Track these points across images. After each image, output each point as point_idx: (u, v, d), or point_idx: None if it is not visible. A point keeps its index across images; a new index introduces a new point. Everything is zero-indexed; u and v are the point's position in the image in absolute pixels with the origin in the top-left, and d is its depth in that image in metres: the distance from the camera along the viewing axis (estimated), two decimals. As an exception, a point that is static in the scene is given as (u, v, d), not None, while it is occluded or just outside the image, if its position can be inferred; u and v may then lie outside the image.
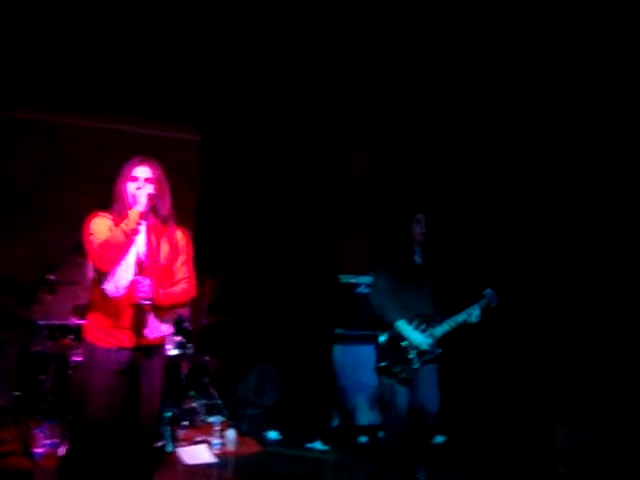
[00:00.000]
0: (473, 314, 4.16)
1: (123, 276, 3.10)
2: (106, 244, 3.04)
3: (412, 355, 4.17)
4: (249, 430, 5.64)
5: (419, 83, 5.95)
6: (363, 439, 5.69)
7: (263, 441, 5.49)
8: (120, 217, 3.13)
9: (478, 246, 5.86)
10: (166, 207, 3.27)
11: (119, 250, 3.05)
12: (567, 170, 5.31)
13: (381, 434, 5.65)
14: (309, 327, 6.60)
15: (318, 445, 5.45)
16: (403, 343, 4.19)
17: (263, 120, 6.79)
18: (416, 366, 4.17)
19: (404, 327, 4.18)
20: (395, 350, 4.20)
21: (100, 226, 3.15)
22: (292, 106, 6.54)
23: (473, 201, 6.08)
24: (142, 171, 3.21)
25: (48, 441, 4.71)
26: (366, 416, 5.82)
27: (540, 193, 5.51)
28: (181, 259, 3.34)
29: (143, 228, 3.12)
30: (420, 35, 5.23)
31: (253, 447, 5.30)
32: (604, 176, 5.02)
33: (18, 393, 5.34)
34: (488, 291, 4.25)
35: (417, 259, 4.43)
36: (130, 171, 3.22)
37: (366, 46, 5.45)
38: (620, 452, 4.52)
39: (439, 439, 5.62)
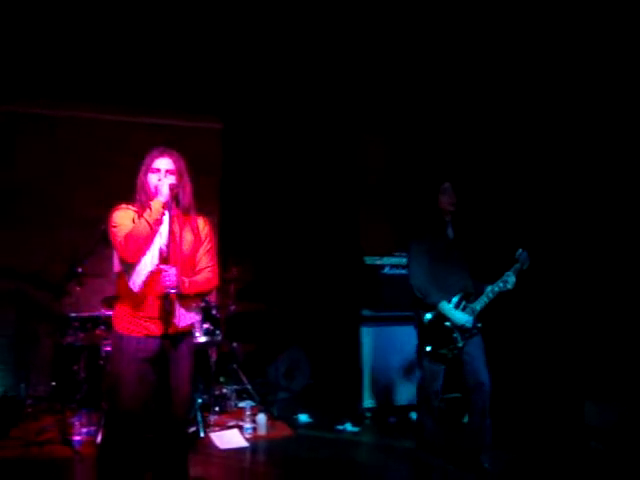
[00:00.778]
0: (509, 281, 4.07)
1: (148, 266, 3.14)
2: (130, 235, 3.08)
3: (456, 334, 4.14)
4: (280, 414, 5.69)
5: (431, 66, 5.97)
6: (392, 419, 5.72)
7: (294, 424, 5.54)
8: (143, 208, 3.16)
9: (505, 213, 5.86)
10: (188, 197, 3.28)
11: (144, 241, 3.09)
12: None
13: (411, 414, 5.71)
14: (336, 310, 6.63)
15: (348, 427, 5.49)
16: (446, 324, 4.14)
17: (282, 107, 6.80)
18: (460, 344, 4.14)
19: (446, 308, 4.12)
20: (439, 332, 4.16)
21: (123, 218, 3.18)
22: (310, 92, 6.53)
23: (494, 171, 6.09)
24: (163, 162, 3.23)
25: (85, 429, 4.84)
26: (395, 396, 5.86)
27: (563, 158, 5.53)
28: (204, 247, 3.37)
29: (166, 218, 3.14)
30: (437, 21, 5.23)
31: (284, 431, 5.36)
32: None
33: (54, 383, 5.49)
34: (520, 252, 4.14)
35: (449, 232, 4.35)
36: (151, 162, 3.23)
37: (381, 32, 5.45)
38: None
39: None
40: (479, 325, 4.18)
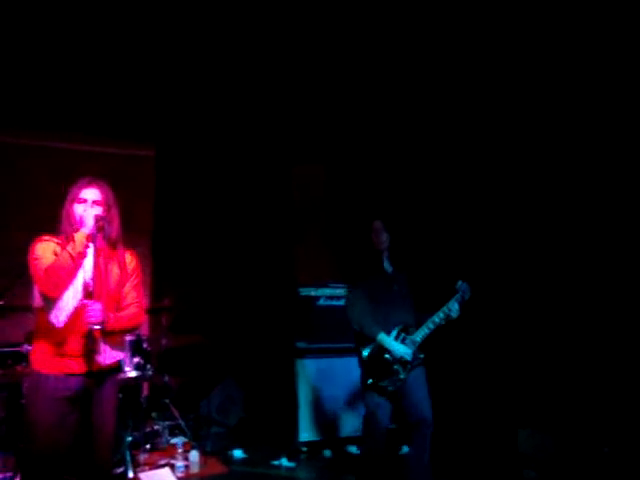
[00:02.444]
0: (452, 309, 4.06)
1: (71, 301, 2.98)
2: (52, 268, 2.92)
3: (397, 366, 4.08)
4: (213, 449, 5.54)
5: (367, 94, 5.99)
6: (328, 453, 5.63)
7: (228, 460, 5.39)
8: (67, 240, 3.02)
9: (444, 245, 5.90)
10: (115, 230, 3.15)
11: (66, 274, 2.94)
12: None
13: (348, 447, 5.64)
14: (270, 342, 6.54)
15: (284, 462, 5.37)
16: (386, 356, 4.10)
17: (216, 135, 6.77)
18: (402, 376, 4.08)
19: (385, 340, 4.08)
20: (379, 364, 4.11)
21: (45, 250, 3.02)
22: (244, 121, 6.52)
23: (432, 202, 6.15)
24: (90, 193, 3.11)
25: (2, 475, 4.55)
26: (332, 429, 5.77)
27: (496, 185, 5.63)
28: (131, 282, 3.25)
29: (91, 251, 2.99)
30: (369, 45, 5.25)
31: (218, 467, 5.19)
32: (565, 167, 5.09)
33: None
34: (460, 284, 4.15)
35: (387, 267, 4.35)
36: (78, 192, 3.11)
37: (313, 59, 5.47)
38: (582, 457, 4.55)
39: (406, 449, 5.60)
40: (421, 356, 4.15)
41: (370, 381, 4.12)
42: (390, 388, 4.08)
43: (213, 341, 6.22)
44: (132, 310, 3.22)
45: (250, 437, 6.00)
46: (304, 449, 5.67)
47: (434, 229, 6.11)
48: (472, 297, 4.18)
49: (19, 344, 5.07)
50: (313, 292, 5.98)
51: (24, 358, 4.93)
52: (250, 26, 5.00)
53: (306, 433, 5.72)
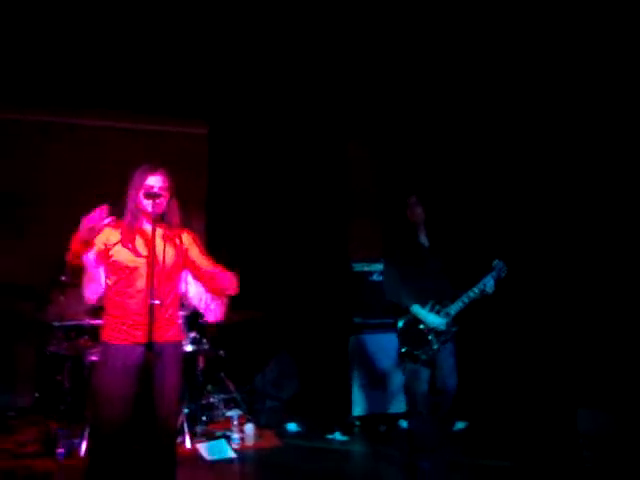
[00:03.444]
0: (487, 285, 4.15)
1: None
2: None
3: (430, 337, 4.19)
4: (268, 423, 5.63)
5: (417, 74, 5.97)
6: (382, 428, 5.67)
7: (282, 434, 5.48)
8: (133, 223, 3.26)
9: (484, 221, 5.89)
10: (175, 214, 3.34)
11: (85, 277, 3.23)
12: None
13: (401, 422, 5.66)
14: (325, 317, 6.57)
15: (338, 436, 5.43)
16: (420, 326, 4.21)
17: (269, 110, 6.74)
18: (436, 347, 4.19)
19: (419, 311, 4.20)
20: (414, 334, 4.22)
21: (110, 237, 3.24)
22: (297, 96, 6.48)
23: (474, 179, 6.13)
24: (154, 180, 3.26)
25: (69, 441, 4.74)
26: (385, 404, 5.80)
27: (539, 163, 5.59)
28: (195, 253, 3.41)
29: (159, 232, 3.18)
30: (424, 28, 5.22)
31: (272, 440, 5.29)
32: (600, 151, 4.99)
33: (37, 394, 5.39)
34: (496, 262, 4.25)
35: (423, 241, 4.44)
36: (142, 180, 3.26)
37: (369, 38, 5.41)
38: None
39: (460, 425, 5.60)
40: (454, 329, 4.25)
41: (404, 349, 4.24)
42: (423, 357, 4.18)
43: (267, 316, 6.29)
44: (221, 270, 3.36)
45: (304, 411, 6.08)
46: (357, 423, 5.72)
47: (474, 205, 6.09)
48: (516, 274, 4.26)
49: (81, 319, 5.28)
50: (366, 267, 5.98)
51: (86, 331, 5.12)
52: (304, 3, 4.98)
53: (359, 407, 5.77)
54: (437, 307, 4.22)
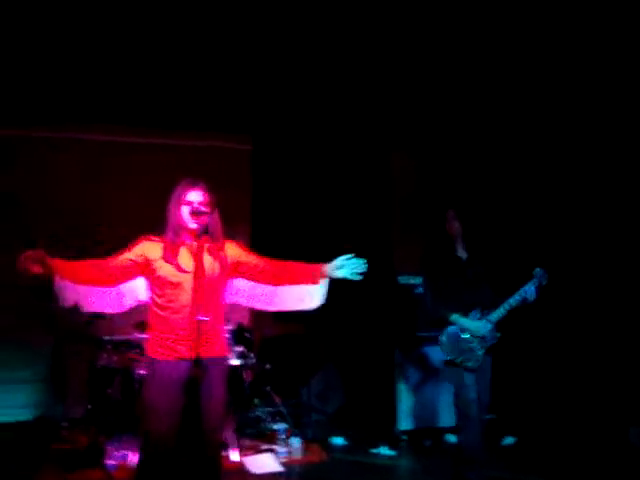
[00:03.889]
0: (529, 292, 4.15)
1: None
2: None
3: (474, 344, 4.23)
4: (314, 436, 5.63)
5: (460, 84, 5.97)
6: (428, 442, 5.61)
7: (328, 447, 5.47)
8: (175, 239, 3.25)
9: (525, 230, 5.94)
10: (218, 228, 3.32)
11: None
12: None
13: (448, 437, 5.59)
14: (370, 330, 6.54)
15: (384, 450, 5.40)
16: (463, 335, 4.25)
17: (313, 123, 6.79)
18: (480, 352, 4.22)
19: (460, 319, 4.26)
20: (458, 343, 4.25)
21: (152, 252, 3.25)
22: (342, 108, 6.51)
23: (515, 188, 6.18)
24: (194, 195, 3.27)
25: (119, 453, 4.83)
26: (432, 418, 5.74)
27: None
28: (246, 256, 3.42)
29: (202, 247, 3.21)
30: (465, 41, 5.22)
31: (318, 454, 5.28)
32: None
33: (90, 406, 5.51)
34: (537, 270, 4.24)
35: (461, 254, 4.46)
36: (182, 195, 3.28)
37: (411, 50, 5.45)
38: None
39: (509, 440, 5.51)
40: (497, 335, 4.25)
41: (449, 357, 4.26)
42: (469, 364, 4.20)
43: (312, 329, 6.30)
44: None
45: (350, 424, 6.06)
46: (404, 437, 5.68)
47: (516, 215, 6.13)
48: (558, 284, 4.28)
49: (130, 333, 5.39)
50: (412, 280, 5.94)
51: (135, 345, 5.22)
52: (344, 12, 5.01)
53: (406, 421, 5.72)
54: (478, 315, 4.26)
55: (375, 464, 5.18)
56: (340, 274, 3.41)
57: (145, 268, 3.26)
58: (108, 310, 3.32)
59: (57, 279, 3.06)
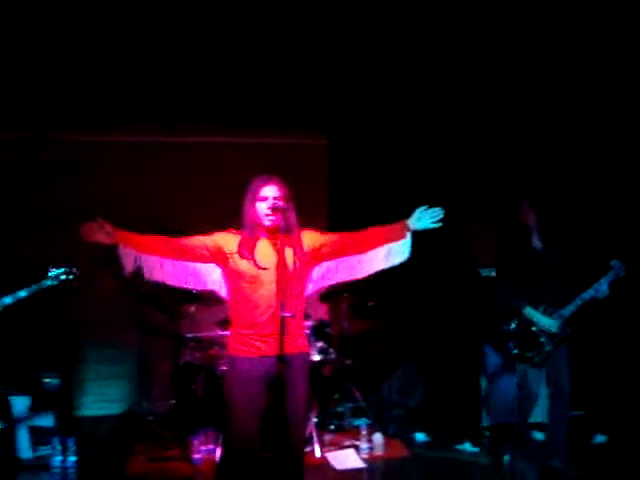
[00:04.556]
0: (600, 290, 4.17)
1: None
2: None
3: (543, 339, 4.25)
4: (395, 432, 5.59)
5: (530, 84, 5.98)
6: (512, 439, 5.44)
7: (410, 443, 5.41)
8: (252, 235, 3.23)
9: (601, 222, 5.83)
10: (293, 223, 3.27)
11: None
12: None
13: (534, 433, 5.43)
14: (453, 324, 6.42)
15: (468, 447, 5.29)
16: (533, 328, 4.27)
17: (387, 121, 6.73)
18: (548, 349, 4.24)
19: (531, 312, 4.26)
20: (526, 336, 4.28)
21: (229, 245, 3.25)
22: (416, 106, 6.47)
23: (591, 180, 6.08)
24: (269, 190, 3.24)
25: (205, 447, 4.92)
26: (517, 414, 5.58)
27: None
28: (324, 238, 3.37)
29: (279, 242, 3.16)
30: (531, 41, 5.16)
31: (401, 450, 5.22)
32: None
33: (174, 401, 5.65)
34: (614, 262, 4.23)
35: (536, 244, 4.43)
36: (257, 191, 3.26)
37: (481, 50, 5.48)
38: None
39: (600, 439, 5.29)
40: (568, 331, 4.26)
41: (516, 351, 4.32)
42: (536, 359, 4.26)
43: (393, 324, 6.25)
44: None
45: (432, 420, 5.97)
46: (487, 434, 5.55)
47: (591, 206, 6.00)
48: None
49: (212, 330, 5.49)
50: (493, 272, 5.78)
51: (217, 343, 5.31)
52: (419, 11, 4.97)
53: (489, 417, 5.58)
54: (550, 309, 4.26)
55: (458, 460, 5.09)
56: (421, 225, 3.39)
57: (219, 257, 3.25)
58: (178, 283, 3.32)
59: (121, 246, 3.13)
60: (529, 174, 6.40)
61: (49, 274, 4.16)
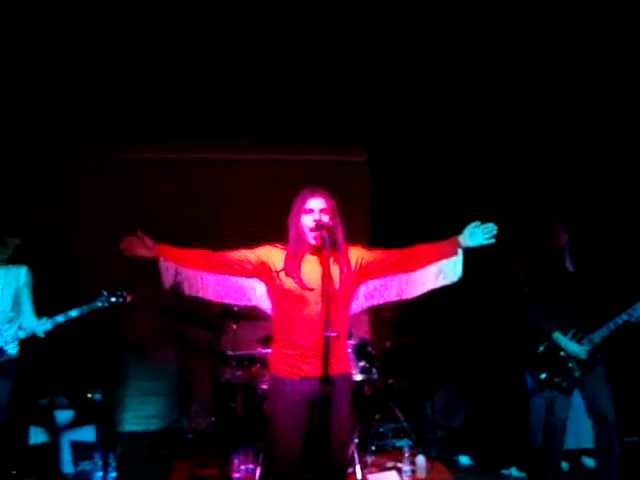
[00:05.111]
0: (634, 315, 4.02)
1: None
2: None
3: (571, 364, 4.19)
4: (439, 454, 5.45)
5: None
6: (564, 464, 5.26)
7: (454, 466, 5.28)
8: (297, 251, 3.15)
9: (634, 245, 5.76)
10: (340, 235, 3.17)
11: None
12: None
13: (584, 459, 5.25)
14: (498, 343, 6.27)
15: (514, 472, 5.13)
16: (561, 353, 4.22)
17: (428, 137, 6.67)
18: (577, 374, 4.18)
19: (560, 338, 4.20)
20: (554, 361, 4.23)
21: (276, 261, 3.17)
22: (457, 122, 6.40)
23: (621, 203, 6.02)
24: (316, 202, 3.17)
25: (244, 467, 4.86)
26: (567, 439, 5.39)
27: None
28: (372, 254, 3.26)
29: (326, 259, 3.05)
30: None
31: (444, 474, 5.09)
32: None
33: (214, 419, 5.62)
34: None
35: (568, 266, 4.38)
36: (304, 203, 3.19)
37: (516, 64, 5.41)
38: None
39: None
40: (599, 356, 4.16)
41: (544, 376, 4.25)
42: (564, 385, 4.18)
43: (434, 343, 6.13)
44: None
45: (476, 442, 5.82)
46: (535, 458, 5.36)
47: (627, 230, 5.92)
48: None
49: (253, 348, 5.45)
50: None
51: (258, 360, 5.26)
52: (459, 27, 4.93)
53: (538, 442, 5.40)
54: (579, 334, 4.19)
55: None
56: (474, 242, 3.22)
57: (263, 273, 3.19)
58: (220, 298, 3.26)
59: (161, 260, 3.11)
60: (564, 195, 6.30)
61: (101, 297, 4.26)
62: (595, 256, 4.53)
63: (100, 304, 4.25)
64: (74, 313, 4.19)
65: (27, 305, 4.35)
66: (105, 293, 4.26)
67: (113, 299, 4.26)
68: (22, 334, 4.22)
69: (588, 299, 4.26)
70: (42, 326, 4.18)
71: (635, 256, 5.63)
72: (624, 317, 4.05)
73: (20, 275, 4.36)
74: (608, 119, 5.96)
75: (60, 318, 4.19)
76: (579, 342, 4.17)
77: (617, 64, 5.28)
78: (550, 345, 4.26)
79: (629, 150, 6.01)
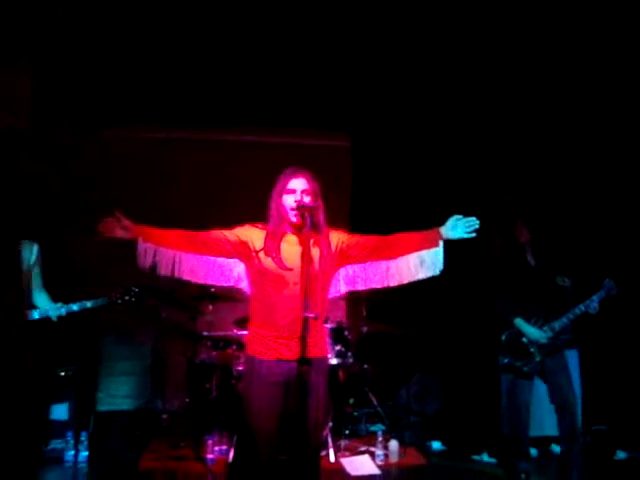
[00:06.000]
0: (591, 306, 4.32)
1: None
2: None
3: (532, 349, 4.38)
4: (411, 440, 5.49)
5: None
6: (533, 451, 5.34)
7: (426, 452, 5.33)
8: (277, 230, 3.14)
9: (596, 239, 6.01)
10: (321, 217, 3.17)
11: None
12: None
13: (553, 446, 5.33)
14: (471, 332, 6.33)
15: (485, 457, 5.21)
16: (523, 339, 4.41)
17: (411, 122, 6.67)
18: (538, 359, 4.36)
19: (521, 324, 4.41)
20: (516, 346, 4.44)
21: (256, 241, 3.16)
22: (440, 111, 6.43)
23: (585, 197, 6.23)
24: (298, 182, 3.16)
25: (218, 447, 4.86)
26: (538, 426, 5.47)
27: None
28: (353, 239, 3.26)
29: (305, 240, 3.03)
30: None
31: (417, 458, 5.13)
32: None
33: (188, 400, 5.60)
34: (607, 281, 4.39)
35: (530, 260, 4.59)
36: (286, 183, 3.17)
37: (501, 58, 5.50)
38: None
39: (621, 455, 5.18)
40: (559, 343, 4.38)
41: (506, 361, 4.47)
42: (525, 369, 4.37)
43: (412, 329, 6.15)
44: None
45: (448, 429, 5.88)
46: (505, 445, 5.44)
47: (586, 223, 6.15)
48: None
49: (229, 329, 5.44)
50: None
51: (234, 342, 5.25)
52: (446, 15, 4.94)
53: (508, 429, 5.46)
54: (540, 322, 4.39)
55: (474, 470, 5.03)
56: (455, 234, 3.21)
57: (242, 252, 3.18)
58: (198, 279, 3.23)
59: (140, 241, 3.09)
60: (524, 192, 6.47)
61: (116, 294, 4.35)
62: (555, 251, 4.70)
63: (115, 300, 4.34)
64: (89, 304, 4.28)
65: (37, 283, 4.38)
66: (121, 290, 4.34)
67: (127, 297, 4.34)
68: (36, 315, 4.25)
69: (549, 291, 4.45)
70: (57, 311, 4.23)
71: (594, 251, 5.84)
72: (582, 308, 4.33)
73: (32, 252, 4.34)
74: (573, 120, 6.13)
75: (75, 307, 4.27)
76: (540, 329, 4.38)
77: (589, 61, 5.43)
78: (512, 331, 4.47)
79: (587, 145, 6.19)
